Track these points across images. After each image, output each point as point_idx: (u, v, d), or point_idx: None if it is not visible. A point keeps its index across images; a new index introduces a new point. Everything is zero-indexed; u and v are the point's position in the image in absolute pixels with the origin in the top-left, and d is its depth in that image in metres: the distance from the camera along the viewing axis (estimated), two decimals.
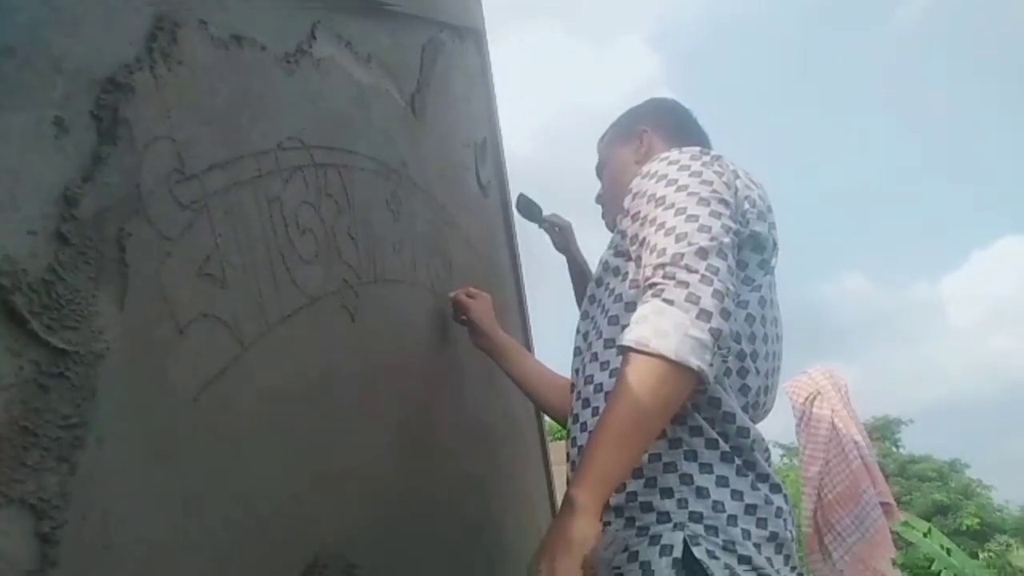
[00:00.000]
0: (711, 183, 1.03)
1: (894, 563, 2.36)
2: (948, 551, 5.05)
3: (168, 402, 0.71)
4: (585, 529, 0.87)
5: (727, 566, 0.90)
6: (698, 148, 1.12)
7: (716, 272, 0.92)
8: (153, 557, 0.67)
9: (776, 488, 0.99)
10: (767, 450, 1.03)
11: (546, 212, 1.86)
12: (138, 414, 0.67)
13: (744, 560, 0.91)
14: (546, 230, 1.82)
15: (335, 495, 1.02)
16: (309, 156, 1.00)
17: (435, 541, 1.40)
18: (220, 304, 0.79)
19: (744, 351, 1.04)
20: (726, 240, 0.96)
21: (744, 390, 1.04)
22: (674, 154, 1.10)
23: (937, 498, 16.48)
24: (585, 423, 1.09)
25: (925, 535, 5.10)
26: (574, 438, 1.12)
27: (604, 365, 1.08)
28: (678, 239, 0.95)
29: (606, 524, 0.98)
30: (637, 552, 0.94)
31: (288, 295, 0.93)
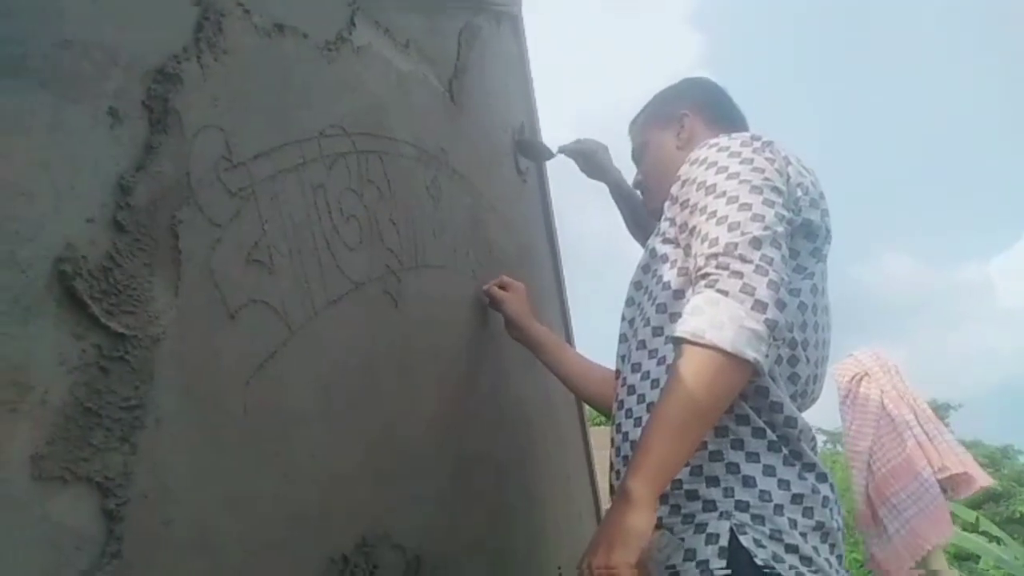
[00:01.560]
0: (763, 170, 1.01)
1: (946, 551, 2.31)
2: (998, 540, 4.91)
3: (222, 385, 0.73)
4: (642, 521, 0.87)
5: (774, 554, 0.90)
6: (748, 134, 1.10)
7: (770, 262, 0.91)
8: (208, 534, 0.69)
9: (822, 477, 0.98)
10: (814, 439, 1.02)
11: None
12: (194, 397, 0.69)
13: (791, 549, 0.91)
14: (571, 158, 1.77)
15: (381, 477, 1.04)
16: (351, 143, 1.01)
17: (477, 522, 1.41)
18: (269, 289, 0.81)
19: (796, 340, 1.02)
20: (780, 229, 0.95)
21: (793, 378, 1.03)
22: (724, 140, 1.07)
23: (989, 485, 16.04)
24: (631, 410, 1.09)
25: (973, 524, 4.97)
26: (619, 424, 1.12)
27: (652, 353, 1.07)
28: (731, 228, 0.94)
29: (672, 526, 0.98)
30: (683, 540, 0.94)
31: (334, 281, 0.95)
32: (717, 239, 0.94)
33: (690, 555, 0.92)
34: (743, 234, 0.93)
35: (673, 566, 0.93)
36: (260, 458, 0.78)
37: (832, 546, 0.96)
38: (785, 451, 0.96)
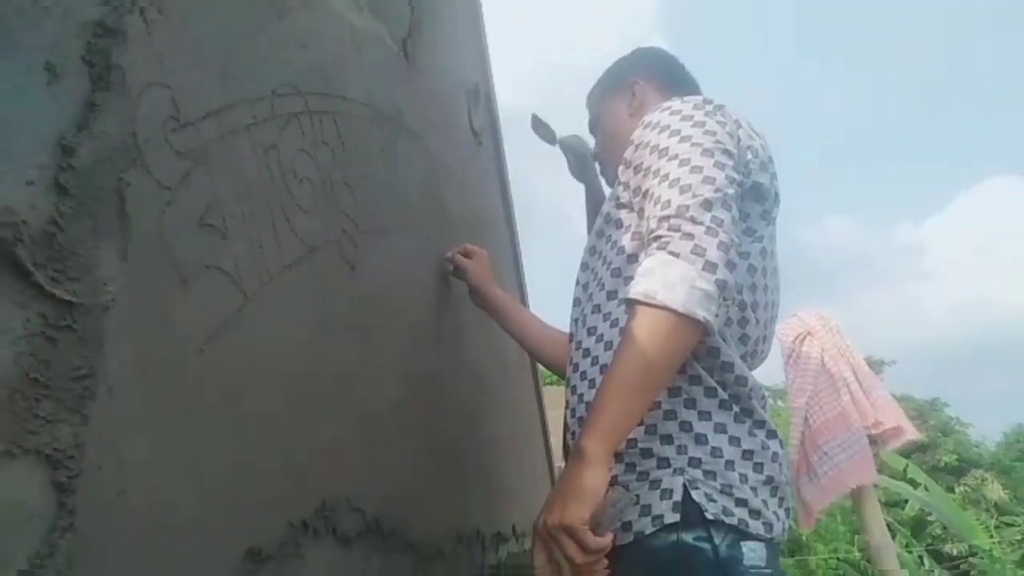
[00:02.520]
0: (714, 133, 1.01)
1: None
2: (924, 486, 5.21)
3: (175, 353, 0.71)
4: (596, 478, 0.89)
5: (724, 508, 0.93)
6: (700, 98, 1.11)
7: (721, 223, 0.92)
8: (166, 504, 0.68)
9: (772, 434, 1.02)
10: (764, 397, 1.06)
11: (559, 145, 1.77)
12: (146, 365, 0.67)
13: (740, 503, 0.95)
14: (563, 153, 1.76)
15: (338, 441, 1.03)
16: (304, 103, 0.97)
17: (434, 483, 1.42)
18: (222, 255, 0.78)
19: (745, 301, 1.05)
20: (730, 191, 0.96)
21: (744, 339, 1.06)
22: (676, 103, 1.08)
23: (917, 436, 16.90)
24: (585, 372, 1.11)
25: (902, 472, 5.26)
26: (574, 387, 1.13)
27: (607, 316, 1.09)
28: (682, 190, 0.95)
29: (629, 483, 1.00)
30: (638, 496, 0.97)
31: (288, 245, 0.93)
32: (669, 202, 0.95)
33: (645, 510, 0.96)
34: (694, 196, 0.94)
35: (629, 522, 0.96)
36: (216, 426, 0.76)
37: (781, 499, 1.01)
38: (736, 409, 0.99)
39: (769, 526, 0.96)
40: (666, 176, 0.99)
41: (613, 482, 1.00)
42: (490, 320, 1.59)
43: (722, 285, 0.90)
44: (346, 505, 1.05)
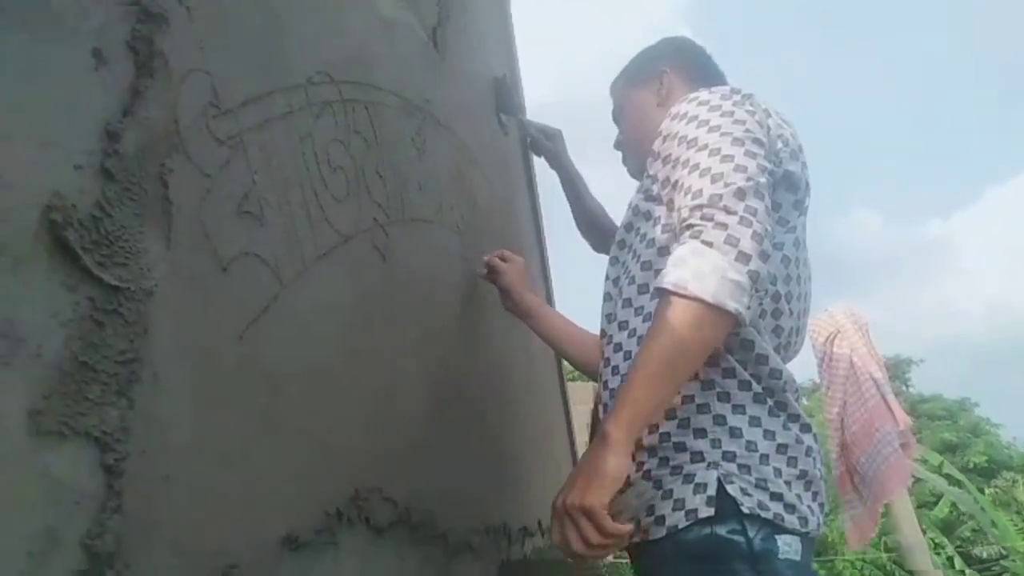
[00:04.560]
0: (744, 122, 1.00)
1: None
2: (959, 483, 5.13)
3: (216, 339, 0.71)
4: (618, 464, 0.89)
5: (760, 502, 0.92)
6: (728, 87, 1.09)
7: (755, 213, 0.91)
8: (207, 488, 0.68)
9: (806, 428, 1.00)
10: (798, 391, 1.04)
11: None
12: (189, 351, 0.67)
13: (776, 497, 0.93)
14: (531, 134, 1.75)
15: (371, 430, 1.04)
16: (337, 91, 0.98)
17: (461, 474, 1.42)
18: (260, 242, 0.79)
19: (779, 292, 1.03)
20: (762, 180, 0.94)
21: (777, 331, 1.05)
22: (704, 94, 1.07)
23: (946, 437, 16.64)
24: (617, 367, 1.10)
25: (937, 468, 5.18)
26: (605, 381, 1.13)
27: (638, 311, 1.08)
28: (714, 180, 0.94)
29: (639, 464, 1.00)
30: (672, 490, 0.96)
31: (323, 233, 0.93)
32: (701, 191, 0.94)
33: (679, 504, 0.95)
34: (727, 185, 0.92)
35: (662, 516, 0.96)
36: (254, 413, 0.77)
37: (815, 494, 0.99)
38: (770, 402, 0.98)
39: (804, 520, 0.95)
40: (696, 166, 0.97)
41: (647, 476, 0.99)
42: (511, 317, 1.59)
43: (755, 276, 0.89)
44: (379, 495, 1.06)
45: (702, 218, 0.92)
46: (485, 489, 1.61)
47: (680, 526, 0.93)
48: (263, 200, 0.80)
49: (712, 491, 0.93)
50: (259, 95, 0.79)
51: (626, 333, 1.09)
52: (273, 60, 0.83)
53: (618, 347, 1.11)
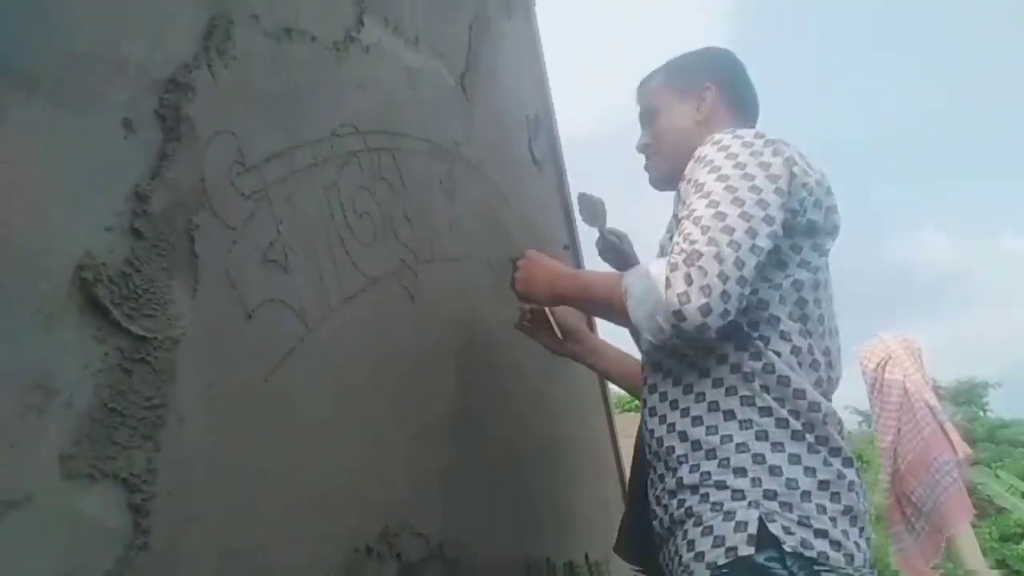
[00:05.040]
0: (753, 177, 1.00)
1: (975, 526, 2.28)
2: None
3: (242, 383, 0.75)
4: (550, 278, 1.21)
5: (803, 540, 0.91)
6: (753, 131, 1.08)
7: (725, 280, 0.93)
8: (232, 528, 0.72)
9: (848, 462, 0.99)
10: (840, 423, 1.03)
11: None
12: (215, 395, 0.71)
13: (820, 534, 0.92)
14: (600, 244, 1.62)
15: (401, 468, 1.06)
16: (363, 141, 1.02)
17: (501, 510, 1.43)
18: (285, 288, 0.83)
19: (808, 330, 1.03)
20: (748, 243, 0.95)
21: (815, 365, 1.04)
22: (727, 138, 1.06)
23: None
24: (654, 408, 1.10)
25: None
26: (645, 422, 1.13)
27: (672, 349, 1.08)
28: (703, 231, 0.96)
29: (681, 502, 1.01)
30: (712, 527, 0.95)
31: (349, 277, 0.97)
32: (693, 239, 0.96)
33: (718, 541, 0.94)
34: (709, 244, 0.95)
35: (701, 552, 0.95)
36: (282, 453, 0.80)
37: (861, 529, 0.97)
38: (810, 438, 0.97)
39: (851, 557, 0.93)
40: (693, 211, 0.99)
41: (689, 513, 0.99)
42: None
43: (683, 333, 0.94)
44: (409, 531, 1.08)
45: (684, 261, 0.94)
46: (526, 524, 1.61)
47: (720, 563, 0.93)
48: (288, 248, 0.84)
49: (753, 530, 0.92)
50: (283, 150, 0.84)
51: (661, 374, 1.09)
52: (298, 116, 0.88)
53: (653, 388, 1.10)
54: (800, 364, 1.02)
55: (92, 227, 0.60)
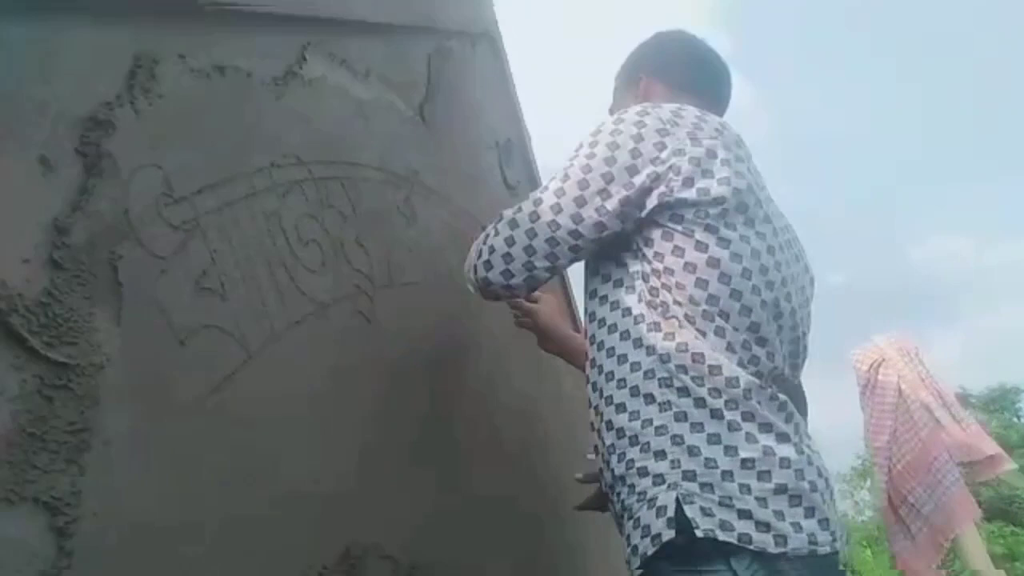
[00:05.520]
0: (591, 158, 1.07)
1: (978, 525, 2.23)
2: None
3: (173, 407, 0.77)
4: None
5: (723, 522, 0.90)
6: (640, 107, 1.10)
7: (511, 244, 1.09)
8: (165, 552, 0.73)
9: (783, 437, 0.96)
10: (778, 398, 1.01)
11: None
12: (143, 419, 0.73)
13: (744, 515, 0.90)
14: None
15: (364, 488, 1.07)
16: (307, 171, 1.05)
17: (480, 528, 1.43)
18: (221, 315, 0.85)
19: (744, 305, 1.01)
20: (549, 217, 1.07)
21: (744, 344, 1.01)
22: (609, 121, 1.11)
23: None
24: (588, 377, 1.13)
25: None
26: (591, 402, 1.13)
27: (591, 317, 1.13)
28: (534, 202, 1.10)
29: (616, 494, 1.02)
30: (639, 518, 0.95)
31: (294, 303, 0.99)
32: (522, 203, 1.12)
33: (646, 531, 0.94)
34: (517, 210, 1.11)
35: (636, 546, 0.96)
36: (221, 476, 0.82)
37: (809, 509, 0.93)
38: (731, 416, 0.96)
39: (783, 539, 0.90)
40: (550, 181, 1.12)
41: (623, 507, 1.00)
42: (543, 357, 1.60)
43: (474, 284, 1.16)
44: (376, 552, 1.08)
45: (494, 223, 1.14)
46: (509, 545, 1.60)
47: (648, 553, 0.93)
48: (224, 276, 0.87)
49: (671, 512, 0.91)
50: (216, 182, 0.87)
51: (595, 346, 1.11)
52: (234, 149, 0.91)
53: (592, 362, 1.12)
54: (719, 341, 1.01)
55: (7, 259, 0.63)
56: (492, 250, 1.10)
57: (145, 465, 0.73)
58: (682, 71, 1.29)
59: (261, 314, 0.92)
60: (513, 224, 1.10)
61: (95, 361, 0.69)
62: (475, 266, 1.13)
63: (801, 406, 1.35)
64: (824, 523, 0.94)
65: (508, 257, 1.09)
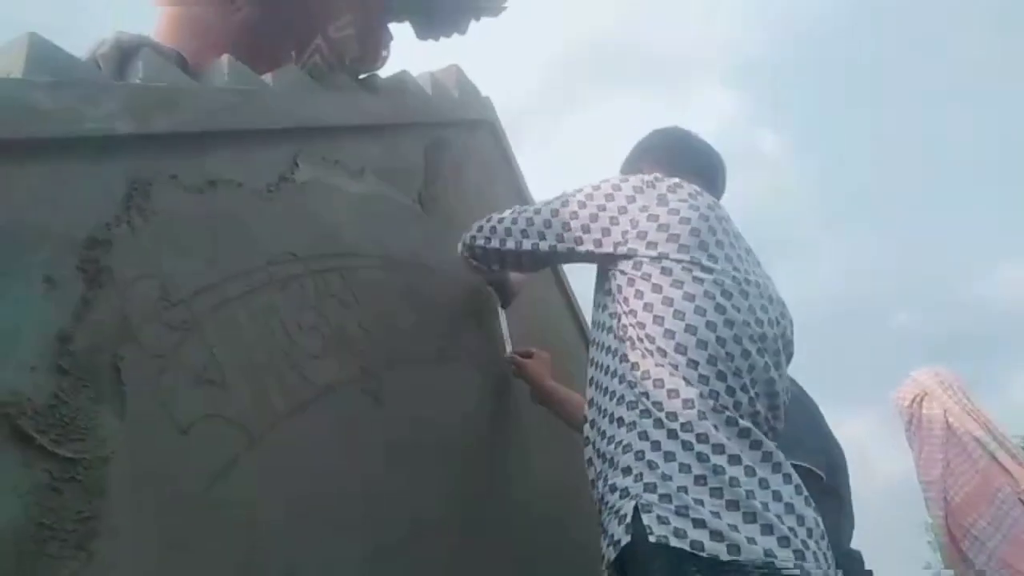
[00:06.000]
0: (574, 209, 1.30)
1: None
2: None
3: (179, 494, 0.83)
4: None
5: (677, 530, 0.97)
6: (618, 178, 1.32)
7: (493, 232, 1.39)
8: None
9: (735, 459, 1.03)
10: (736, 423, 1.07)
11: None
12: (149, 507, 0.79)
13: (699, 524, 0.98)
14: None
15: (373, 569, 1.09)
16: (304, 266, 1.14)
17: None
18: (223, 404, 0.92)
19: (701, 340, 1.12)
20: (534, 244, 1.33)
21: (721, 376, 1.10)
22: (604, 180, 1.33)
23: None
24: (593, 421, 1.23)
25: None
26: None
27: (590, 362, 1.29)
28: (514, 221, 1.37)
29: (599, 513, 1.12)
30: (608, 530, 1.06)
31: (298, 388, 1.06)
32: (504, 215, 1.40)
33: (610, 540, 1.05)
34: (514, 222, 1.37)
35: (603, 556, 1.07)
36: (227, 559, 0.86)
37: (767, 527, 0.99)
38: (685, 436, 1.05)
39: (736, 548, 0.96)
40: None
41: (602, 528, 1.10)
42: (560, 439, 1.63)
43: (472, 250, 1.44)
44: None
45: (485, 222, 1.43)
46: None
47: (611, 558, 1.03)
48: (225, 368, 0.94)
49: (629, 519, 1.01)
50: (212, 284, 0.95)
51: (593, 387, 1.25)
52: (227, 253, 1.00)
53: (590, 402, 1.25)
54: (678, 370, 1.11)
55: (17, 369, 0.71)
56: (482, 228, 1.41)
57: (152, 552, 0.78)
58: (680, 160, 1.46)
59: (263, 401, 0.99)
60: (501, 221, 1.39)
61: (101, 454, 0.76)
62: (473, 236, 1.42)
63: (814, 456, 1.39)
64: (784, 541, 0.99)
65: (500, 259, 1.40)
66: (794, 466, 1.39)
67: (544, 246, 1.32)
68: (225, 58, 1.13)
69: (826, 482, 1.60)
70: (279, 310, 1.06)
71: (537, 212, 1.34)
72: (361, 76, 1.66)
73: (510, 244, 1.35)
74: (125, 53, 0.97)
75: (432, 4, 1.63)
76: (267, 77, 1.23)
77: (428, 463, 1.31)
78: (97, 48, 0.97)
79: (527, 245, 1.34)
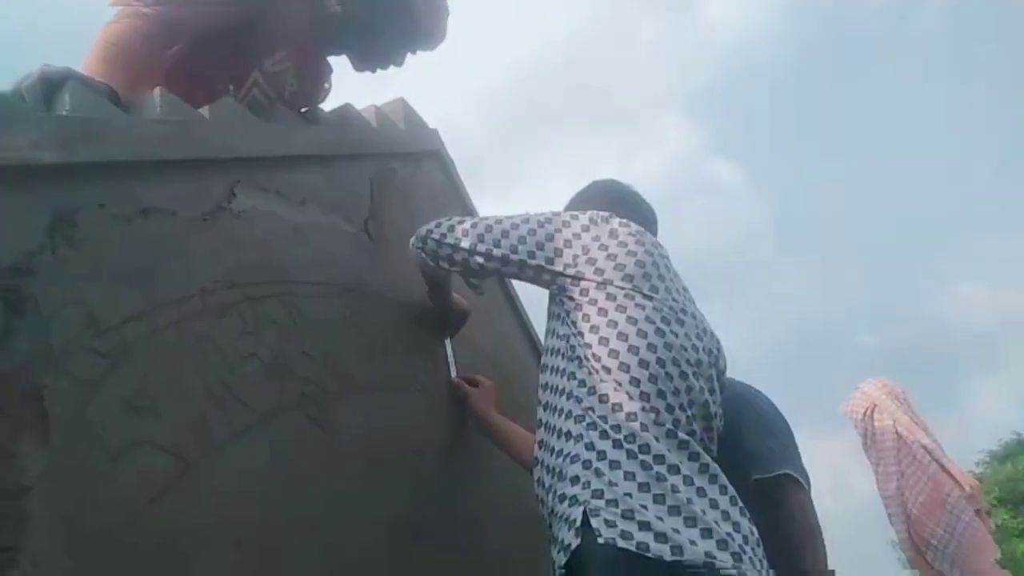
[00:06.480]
0: (532, 227, 1.40)
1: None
2: None
3: (107, 522, 0.82)
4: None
5: (624, 532, 1.02)
6: (571, 214, 1.44)
7: (451, 230, 1.46)
8: None
9: (674, 469, 1.10)
10: (675, 435, 1.15)
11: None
12: (74, 534, 0.78)
13: (644, 526, 1.02)
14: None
15: None
16: (241, 293, 1.14)
17: None
18: (155, 431, 0.91)
19: (625, 363, 1.19)
20: (488, 248, 1.40)
21: (661, 394, 1.18)
22: (561, 212, 1.48)
23: None
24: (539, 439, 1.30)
25: None
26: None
27: (541, 387, 1.34)
28: (474, 225, 1.45)
29: (549, 526, 1.17)
30: (558, 536, 1.10)
31: (236, 414, 1.05)
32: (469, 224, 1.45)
33: (560, 546, 1.08)
34: (479, 229, 1.43)
35: (553, 562, 1.11)
36: None
37: (706, 531, 1.04)
38: (629, 446, 1.11)
39: (679, 549, 1.01)
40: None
41: (551, 539, 1.14)
42: (511, 464, 1.63)
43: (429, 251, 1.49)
44: None
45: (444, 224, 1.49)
46: None
47: (561, 563, 1.07)
48: (157, 395, 0.93)
49: (578, 523, 1.05)
50: (143, 311, 0.95)
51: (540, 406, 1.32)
52: (159, 281, 1.00)
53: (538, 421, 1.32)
54: (621, 387, 1.18)
55: None
56: (440, 224, 1.47)
57: None
58: (619, 209, 1.55)
59: (201, 428, 0.98)
60: (461, 222, 1.46)
61: (21, 483, 0.75)
62: (430, 230, 1.47)
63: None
64: (723, 544, 1.05)
65: (450, 256, 1.45)
66: (785, 475, 1.49)
67: (498, 252, 1.38)
68: (157, 90, 1.14)
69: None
70: (214, 338, 1.06)
71: (498, 222, 1.43)
72: (303, 110, 1.69)
73: (465, 243, 1.41)
74: (51, 85, 0.97)
75: (367, 38, 1.66)
76: (204, 110, 1.24)
77: (374, 490, 1.31)
78: (22, 81, 0.97)
79: (481, 248, 1.40)
